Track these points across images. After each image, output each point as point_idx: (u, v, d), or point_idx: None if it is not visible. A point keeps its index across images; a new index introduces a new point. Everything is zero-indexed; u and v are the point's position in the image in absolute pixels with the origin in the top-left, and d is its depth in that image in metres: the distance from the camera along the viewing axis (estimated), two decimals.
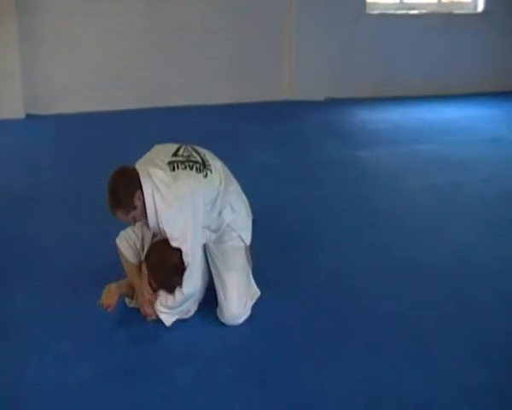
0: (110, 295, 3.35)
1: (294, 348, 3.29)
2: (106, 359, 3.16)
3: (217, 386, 2.99)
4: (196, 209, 3.25)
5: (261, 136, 6.85)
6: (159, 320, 3.38)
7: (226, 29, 7.89)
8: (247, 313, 3.47)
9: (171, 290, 3.32)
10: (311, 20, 8.02)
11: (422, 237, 4.54)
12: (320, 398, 2.93)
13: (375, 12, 8.62)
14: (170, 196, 3.19)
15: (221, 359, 3.19)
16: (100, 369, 3.08)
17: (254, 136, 6.84)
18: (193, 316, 3.48)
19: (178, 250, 3.24)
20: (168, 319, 3.38)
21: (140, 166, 3.30)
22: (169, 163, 3.29)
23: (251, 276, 3.60)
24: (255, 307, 3.51)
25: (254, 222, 3.65)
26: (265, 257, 3.96)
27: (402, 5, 8.75)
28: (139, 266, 3.48)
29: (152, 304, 3.36)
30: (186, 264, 3.23)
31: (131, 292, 3.50)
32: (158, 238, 3.40)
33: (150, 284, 3.38)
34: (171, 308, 3.35)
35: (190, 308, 3.47)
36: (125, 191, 3.20)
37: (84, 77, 7.46)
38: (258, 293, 3.57)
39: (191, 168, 3.31)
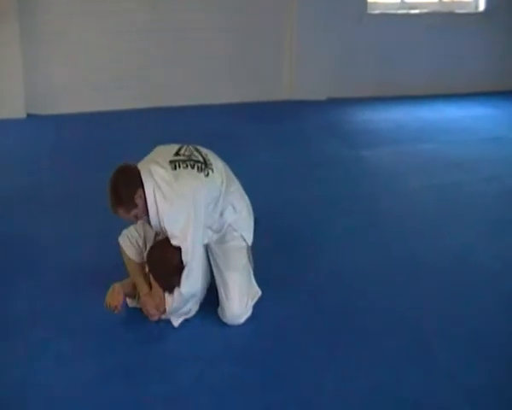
0: (115, 296, 3.36)
1: (295, 348, 3.29)
2: (107, 359, 3.16)
3: (218, 386, 2.99)
4: (198, 208, 3.25)
5: (262, 136, 6.85)
6: (160, 320, 3.39)
7: (227, 29, 7.88)
8: (249, 313, 3.47)
9: (171, 290, 3.32)
10: (312, 20, 8.01)
11: (423, 236, 4.54)
12: (321, 398, 2.93)
13: (377, 12, 8.61)
14: (171, 195, 3.20)
15: (222, 359, 3.19)
16: (101, 369, 3.08)
17: (255, 136, 6.83)
18: (194, 316, 3.48)
19: (179, 250, 3.24)
20: (175, 320, 3.40)
21: (142, 164, 3.32)
22: (170, 162, 3.31)
23: (252, 276, 3.61)
24: (256, 307, 3.52)
25: (255, 222, 3.65)
26: (266, 257, 3.96)
27: (403, 5, 8.73)
28: (141, 265, 3.49)
29: (156, 305, 3.37)
30: (185, 262, 3.23)
31: (134, 292, 3.50)
32: (160, 237, 3.40)
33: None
34: (173, 310, 3.35)
35: (191, 308, 3.47)
36: (126, 190, 3.22)
37: (85, 77, 7.46)
38: (260, 293, 3.58)
39: (192, 167, 3.32)
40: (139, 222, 3.50)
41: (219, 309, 3.47)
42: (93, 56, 7.45)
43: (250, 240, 3.58)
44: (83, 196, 5.06)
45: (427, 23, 8.66)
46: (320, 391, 2.97)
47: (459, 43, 8.77)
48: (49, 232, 4.50)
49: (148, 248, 3.46)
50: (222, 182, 3.42)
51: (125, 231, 3.53)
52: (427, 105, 8.31)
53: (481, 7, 8.93)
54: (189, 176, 3.28)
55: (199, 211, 3.26)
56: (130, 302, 3.54)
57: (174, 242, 3.23)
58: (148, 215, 3.26)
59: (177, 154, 3.37)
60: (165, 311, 3.38)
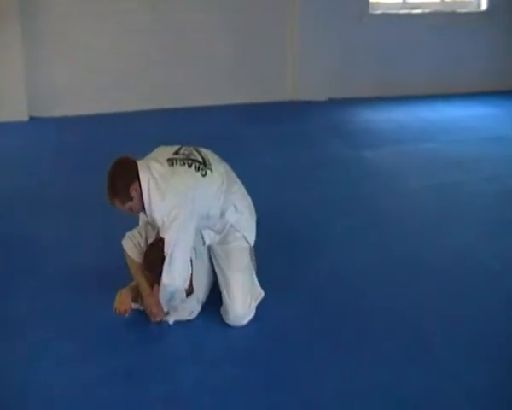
0: (123, 300, 3.37)
1: (296, 348, 3.30)
2: (108, 359, 3.17)
3: (220, 387, 3.00)
4: (189, 206, 3.25)
5: (263, 136, 6.85)
6: (162, 321, 3.40)
7: (228, 29, 7.89)
8: (252, 314, 3.48)
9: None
10: (313, 20, 8.01)
11: (423, 236, 4.55)
12: (322, 398, 2.94)
13: (378, 12, 8.60)
14: (165, 188, 3.23)
15: (224, 359, 3.20)
16: (102, 370, 3.09)
17: (256, 136, 6.84)
18: (196, 317, 3.49)
19: None
20: (170, 318, 3.42)
21: (141, 161, 3.36)
22: (168, 160, 3.35)
23: (255, 277, 3.62)
24: (257, 308, 3.53)
25: (257, 223, 3.66)
26: (268, 258, 3.96)
27: (405, 5, 8.72)
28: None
29: (157, 303, 3.38)
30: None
31: (138, 294, 3.51)
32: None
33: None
34: (163, 302, 3.36)
35: (194, 309, 3.49)
36: (122, 181, 3.26)
37: (86, 79, 7.47)
38: (263, 294, 3.59)
39: (190, 166, 3.34)
40: (141, 224, 3.53)
41: (222, 310, 3.48)
42: (95, 58, 7.46)
43: (252, 241, 3.58)
44: (84, 197, 5.07)
45: (429, 23, 8.65)
46: (321, 391, 2.98)
47: (461, 43, 8.76)
48: (51, 233, 4.52)
49: None
50: (222, 182, 3.43)
51: (127, 234, 3.54)
52: (428, 105, 8.30)
53: (483, 6, 8.92)
54: (185, 174, 3.30)
55: (190, 210, 3.25)
56: (133, 305, 3.55)
57: (160, 233, 3.24)
58: (143, 210, 3.30)
59: (176, 153, 3.40)
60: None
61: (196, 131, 6.16)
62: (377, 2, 8.60)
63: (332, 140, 6.85)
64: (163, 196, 3.21)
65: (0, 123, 7.00)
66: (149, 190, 3.23)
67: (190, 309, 3.48)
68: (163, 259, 3.23)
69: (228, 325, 3.44)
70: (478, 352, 3.27)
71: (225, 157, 3.67)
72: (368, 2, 8.44)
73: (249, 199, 3.65)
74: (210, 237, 3.51)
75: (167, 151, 3.43)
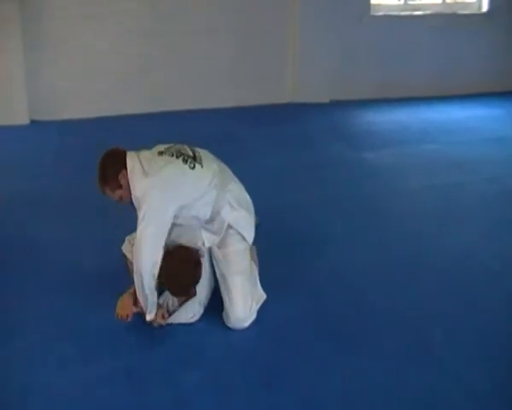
0: (124, 305, 3.37)
1: (297, 349, 3.30)
2: (109, 361, 3.17)
3: (222, 389, 3.00)
4: (168, 192, 3.28)
5: (264, 138, 6.85)
6: (162, 327, 3.39)
7: (228, 31, 7.88)
8: (253, 317, 3.48)
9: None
10: (314, 22, 8.01)
11: (424, 236, 4.55)
12: (323, 399, 2.94)
13: (379, 13, 8.60)
14: (148, 170, 3.29)
15: (226, 362, 3.21)
16: (103, 372, 3.09)
17: (257, 138, 6.84)
18: (198, 320, 3.49)
19: (197, 264, 3.35)
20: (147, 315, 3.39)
21: (131, 151, 3.45)
22: (159, 152, 3.43)
23: (257, 279, 3.63)
24: (259, 310, 3.53)
25: (258, 224, 3.66)
26: (268, 258, 3.96)
27: (406, 6, 8.73)
28: None
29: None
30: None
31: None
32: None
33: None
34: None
35: (196, 312, 3.49)
36: (111, 169, 3.35)
37: (87, 82, 7.47)
38: (264, 296, 3.60)
39: (177, 157, 3.39)
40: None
41: (224, 314, 3.47)
42: (95, 61, 7.46)
43: (251, 239, 3.57)
44: (85, 200, 5.05)
45: (430, 24, 8.65)
46: (322, 392, 2.98)
47: (462, 44, 8.75)
48: (52, 235, 4.52)
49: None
50: (213, 178, 3.42)
51: (127, 237, 3.56)
52: (430, 106, 8.30)
53: (484, 8, 8.91)
54: (171, 163, 3.36)
55: (170, 194, 3.27)
56: (134, 308, 3.54)
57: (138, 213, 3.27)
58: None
59: (168, 148, 3.46)
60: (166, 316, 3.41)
61: (196, 133, 6.14)
62: (378, 4, 8.59)
63: (333, 141, 6.84)
64: (145, 175, 3.28)
65: (1, 126, 7.00)
66: (134, 170, 3.30)
67: (192, 312, 3.48)
68: (180, 279, 3.31)
69: (229, 328, 3.44)
70: (478, 352, 3.27)
71: (225, 159, 3.67)
72: (369, 4, 8.43)
73: (248, 198, 3.64)
74: (210, 240, 3.50)
75: (161, 146, 3.50)
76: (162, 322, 3.38)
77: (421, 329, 3.47)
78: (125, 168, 3.32)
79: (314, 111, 7.92)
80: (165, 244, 3.30)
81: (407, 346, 3.31)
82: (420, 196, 5.29)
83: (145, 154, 3.40)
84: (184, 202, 3.34)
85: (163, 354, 3.26)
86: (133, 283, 3.45)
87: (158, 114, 7.50)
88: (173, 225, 3.35)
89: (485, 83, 8.86)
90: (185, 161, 3.38)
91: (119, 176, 3.32)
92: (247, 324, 3.45)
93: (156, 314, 3.36)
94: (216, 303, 3.53)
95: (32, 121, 7.28)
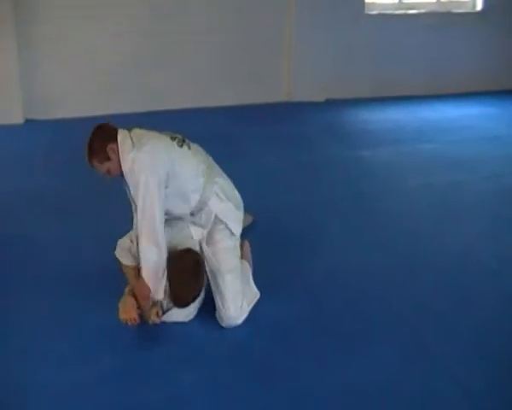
0: (128, 309, 3.34)
1: (293, 348, 3.29)
2: (107, 361, 3.16)
3: (218, 388, 3.00)
4: (158, 167, 3.27)
5: (260, 137, 6.85)
6: (157, 325, 3.38)
7: (225, 30, 7.89)
8: (245, 314, 3.47)
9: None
10: (309, 21, 8.02)
11: (421, 235, 4.54)
12: (319, 398, 2.93)
13: (374, 12, 8.62)
14: (138, 144, 3.30)
15: (221, 361, 3.19)
16: (101, 372, 3.08)
17: (253, 137, 6.84)
18: (192, 319, 3.49)
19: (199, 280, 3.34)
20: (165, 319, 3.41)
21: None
22: (147, 130, 3.47)
23: (250, 278, 3.62)
24: (254, 309, 3.53)
25: (253, 223, 3.65)
26: (264, 258, 3.96)
27: (400, 5, 8.75)
28: (137, 268, 3.49)
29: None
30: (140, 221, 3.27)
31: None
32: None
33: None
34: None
35: (191, 311, 3.48)
36: (99, 141, 3.35)
37: (82, 81, 7.47)
38: (258, 295, 3.60)
39: (166, 135, 3.45)
40: (134, 229, 3.52)
41: (217, 314, 3.47)
42: (90, 61, 7.46)
43: (238, 232, 3.57)
44: (81, 199, 5.08)
45: (425, 23, 8.68)
46: (317, 391, 2.97)
47: (457, 43, 8.78)
48: (49, 234, 4.51)
49: None
50: (198, 163, 3.45)
51: (119, 244, 3.51)
52: (425, 105, 8.32)
53: (479, 6, 8.95)
54: (160, 138, 3.41)
55: (159, 169, 3.27)
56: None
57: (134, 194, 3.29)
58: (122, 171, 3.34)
59: (159, 131, 3.52)
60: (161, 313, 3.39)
61: (192, 132, 6.05)
62: (373, 3, 8.62)
63: (329, 140, 6.85)
64: (134, 146, 3.29)
65: None
66: (124, 144, 3.31)
67: (187, 311, 3.46)
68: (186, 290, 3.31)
69: (223, 327, 3.43)
70: (474, 351, 3.26)
71: (221, 157, 3.67)
72: (363, 3, 8.46)
73: (237, 194, 3.64)
74: (197, 234, 3.51)
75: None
76: (157, 320, 3.37)
77: (418, 328, 3.46)
78: (115, 141, 3.33)
79: (310, 110, 7.93)
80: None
81: (403, 345, 3.30)
82: (417, 195, 5.29)
83: (136, 131, 3.42)
84: (172, 168, 3.33)
85: (159, 353, 3.24)
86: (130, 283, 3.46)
87: (153, 114, 7.47)
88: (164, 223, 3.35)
89: (479, 81, 8.89)
90: (173, 139, 3.44)
91: (108, 148, 3.31)
92: (239, 321, 3.44)
93: (151, 312, 3.34)
94: (210, 301, 3.51)
95: (27, 120, 7.26)
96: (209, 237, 3.51)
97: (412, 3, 8.84)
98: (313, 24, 8.02)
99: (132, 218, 3.50)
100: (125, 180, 3.36)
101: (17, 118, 7.19)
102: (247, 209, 3.72)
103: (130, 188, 3.32)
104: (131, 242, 3.46)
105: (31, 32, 7.15)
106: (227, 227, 3.50)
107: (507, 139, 6.93)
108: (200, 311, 3.52)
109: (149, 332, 3.37)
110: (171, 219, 3.47)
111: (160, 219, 3.27)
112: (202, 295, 3.53)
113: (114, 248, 3.48)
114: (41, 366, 3.10)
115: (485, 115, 7.90)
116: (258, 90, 8.15)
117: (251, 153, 6.31)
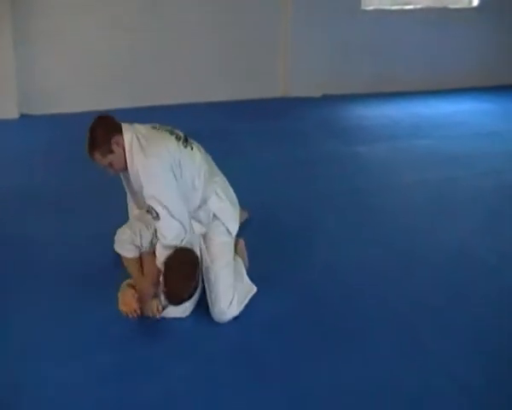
0: (128, 300, 3.34)
1: (290, 344, 3.29)
2: (106, 359, 3.15)
3: (213, 383, 2.99)
4: (172, 171, 3.26)
5: (257, 133, 6.85)
6: (157, 319, 3.38)
7: (221, 25, 7.88)
8: (234, 310, 3.46)
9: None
10: (306, 17, 8.02)
11: (417, 231, 4.54)
12: (315, 394, 2.93)
13: (371, 8, 8.62)
14: (147, 148, 3.24)
15: (217, 356, 3.19)
16: (100, 369, 3.08)
17: (249, 133, 6.84)
18: (189, 315, 3.48)
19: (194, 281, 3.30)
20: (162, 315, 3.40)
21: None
22: (152, 127, 3.41)
23: (244, 274, 3.62)
24: (250, 304, 3.53)
25: (249, 219, 3.64)
26: (260, 253, 3.96)
27: (397, 0, 8.75)
28: (139, 260, 3.49)
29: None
30: (159, 214, 3.23)
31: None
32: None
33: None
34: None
35: (187, 307, 3.47)
36: (103, 132, 3.26)
37: (78, 76, 7.46)
38: (255, 289, 3.60)
39: (171, 134, 3.39)
40: (131, 219, 3.50)
41: (209, 307, 3.46)
42: (86, 56, 7.45)
43: (235, 231, 3.57)
44: (77, 194, 5.06)
45: (421, 18, 8.69)
46: (313, 386, 2.97)
47: (453, 39, 8.79)
48: (46, 230, 4.48)
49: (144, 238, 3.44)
50: (201, 162, 3.43)
51: (117, 236, 3.48)
52: (421, 100, 8.33)
53: (475, 2, 8.96)
54: (168, 140, 3.34)
55: (171, 173, 3.26)
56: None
57: (149, 202, 3.23)
58: (125, 166, 3.29)
59: (160, 126, 3.46)
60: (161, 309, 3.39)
61: (188, 128, 6.02)
62: None
63: (325, 136, 6.85)
64: (146, 154, 3.22)
65: None
66: (132, 146, 3.24)
67: (184, 307, 3.45)
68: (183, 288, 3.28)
69: (219, 322, 3.43)
70: (472, 347, 3.26)
71: (217, 154, 3.66)
72: None
73: (232, 192, 3.64)
74: (197, 229, 3.50)
75: (151, 124, 3.47)
76: (157, 314, 3.37)
77: (415, 324, 3.46)
78: (119, 134, 3.26)
79: (306, 105, 7.93)
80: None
81: (400, 341, 3.30)
82: (413, 191, 5.29)
83: (139, 128, 3.35)
84: (178, 170, 3.31)
85: (157, 349, 3.24)
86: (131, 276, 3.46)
87: (149, 109, 7.46)
88: None
89: (475, 77, 8.90)
90: (178, 140, 3.38)
91: (112, 140, 3.24)
92: (229, 317, 3.43)
93: (152, 305, 3.35)
94: (206, 298, 3.50)
95: (22, 115, 7.24)
96: (205, 234, 3.51)
97: None
98: (310, 19, 8.02)
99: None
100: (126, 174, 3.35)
101: (12, 113, 7.17)
102: (241, 206, 3.72)
103: (134, 184, 3.30)
104: (132, 232, 3.44)
105: (27, 26, 7.13)
106: (224, 225, 3.50)
107: (503, 135, 6.94)
108: (197, 307, 3.51)
109: (147, 329, 3.36)
110: None
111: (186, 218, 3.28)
112: (199, 291, 3.53)
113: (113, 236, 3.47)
114: (41, 366, 3.09)
115: (481, 111, 7.92)
116: (254, 86, 8.14)
117: (247, 148, 6.30)
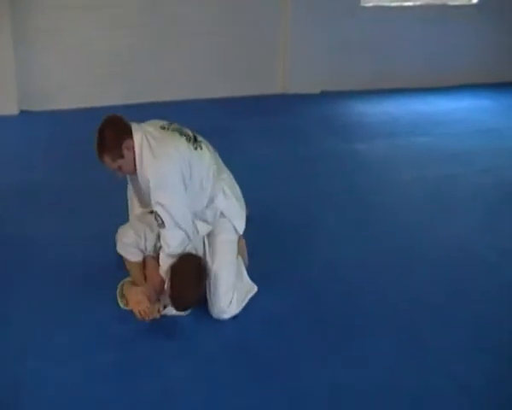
0: (140, 299, 3.31)
1: (289, 342, 3.29)
2: (102, 355, 3.16)
3: (212, 381, 2.99)
4: (180, 173, 3.25)
5: (256, 130, 6.83)
6: (155, 319, 3.37)
7: (220, 22, 7.86)
8: (234, 308, 3.45)
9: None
10: (305, 13, 7.99)
11: (417, 228, 4.55)
12: (315, 393, 2.93)
13: (370, 4, 8.59)
14: (157, 151, 3.22)
15: (216, 354, 3.20)
16: (96, 366, 3.08)
17: (248, 130, 6.82)
18: (190, 313, 3.47)
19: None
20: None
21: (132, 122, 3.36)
22: (161, 127, 3.37)
23: (244, 273, 3.62)
24: (251, 302, 3.52)
25: (248, 218, 3.64)
26: (260, 251, 3.96)
27: None
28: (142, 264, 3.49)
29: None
30: (165, 223, 3.23)
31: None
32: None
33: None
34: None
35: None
36: (113, 135, 3.22)
37: (77, 73, 7.43)
38: (255, 288, 3.60)
39: (181, 135, 3.36)
40: (131, 219, 3.50)
41: (209, 304, 3.46)
42: (85, 52, 7.42)
43: (242, 229, 3.57)
44: (77, 192, 5.04)
45: (421, 15, 8.67)
46: (313, 385, 2.98)
47: (452, 36, 8.77)
48: (45, 230, 4.46)
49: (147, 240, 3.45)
50: (210, 162, 3.42)
51: (120, 239, 3.48)
52: (421, 98, 8.31)
53: None
54: (178, 141, 3.32)
55: (181, 175, 3.25)
56: (125, 305, 3.52)
57: (156, 208, 3.22)
58: (134, 170, 3.27)
59: (169, 124, 3.42)
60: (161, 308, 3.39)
61: (187, 125, 6.07)
62: None
63: (324, 133, 6.84)
64: (156, 157, 3.20)
65: None
66: (142, 149, 3.21)
67: None
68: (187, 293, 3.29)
69: (219, 321, 3.42)
70: (472, 345, 3.28)
71: (217, 150, 3.65)
72: None
73: (238, 189, 3.64)
74: (203, 230, 3.49)
75: (159, 122, 3.44)
76: (157, 316, 3.36)
77: (414, 321, 3.47)
78: (130, 138, 3.23)
79: (305, 102, 7.91)
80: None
81: (400, 338, 3.31)
82: (412, 188, 5.30)
83: (149, 129, 3.30)
84: (189, 172, 3.30)
85: (154, 348, 3.24)
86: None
87: (148, 105, 7.43)
88: None
89: (475, 74, 8.88)
90: (188, 140, 3.36)
91: (122, 145, 3.21)
92: (227, 315, 3.42)
93: (153, 308, 3.33)
94: (206, 297, 3.50)
95: (22, 112, 7.22)
96: (211, 230, 3.51)
97: None
98: (309, 15, 7.99)
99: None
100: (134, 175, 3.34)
101: (12, 109, 7.14)
102: None
103: (142, 184, 3.30)
104: (135, 233, 3.44)
105: (26, 23, 7.10)
106: (231, 222, 3.50)
107: (502, 132, 6.94)
108: (197, 306, 3.49)
109: (147, 328, 3.36)
110: None
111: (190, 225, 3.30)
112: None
113: (115, 245, 3.48)
114: (40, 366, 3.09)
115: (480, 108, 7.91)
116: (253, 83, 8.12)
117: (246, 145, 6.29)
